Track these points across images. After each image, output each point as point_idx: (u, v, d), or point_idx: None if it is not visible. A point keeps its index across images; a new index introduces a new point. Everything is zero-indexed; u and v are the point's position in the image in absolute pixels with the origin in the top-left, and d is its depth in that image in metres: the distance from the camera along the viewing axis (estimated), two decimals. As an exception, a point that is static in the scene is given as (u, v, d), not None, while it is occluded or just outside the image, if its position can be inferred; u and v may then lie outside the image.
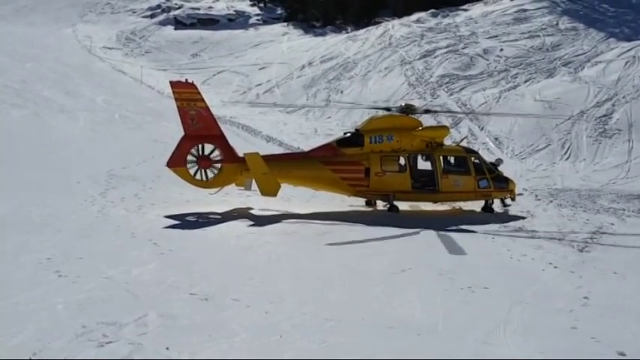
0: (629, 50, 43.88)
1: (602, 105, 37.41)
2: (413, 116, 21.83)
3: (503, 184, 21.47)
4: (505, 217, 20.59)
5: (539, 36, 49.53)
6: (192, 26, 70.82)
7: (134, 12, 75.99)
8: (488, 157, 27.68)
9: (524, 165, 32.22)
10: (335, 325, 9.28)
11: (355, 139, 21.07)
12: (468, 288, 11.78)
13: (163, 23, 71.62)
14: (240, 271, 12.25)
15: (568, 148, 34.20)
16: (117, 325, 8.52)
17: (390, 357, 8.20)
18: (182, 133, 19.71)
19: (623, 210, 22.11)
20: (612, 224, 19.57)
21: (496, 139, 35.83)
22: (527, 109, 37.14)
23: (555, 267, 13.92)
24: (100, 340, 8.02)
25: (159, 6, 75.98)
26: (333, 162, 20.45)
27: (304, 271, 12.60)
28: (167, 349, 7.92)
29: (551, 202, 23.76)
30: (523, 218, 20.41)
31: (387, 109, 22.62)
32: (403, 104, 22.64)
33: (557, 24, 51.23)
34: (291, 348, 8.30)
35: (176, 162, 19.50)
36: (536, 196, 24.90)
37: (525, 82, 42.52)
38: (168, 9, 74.83)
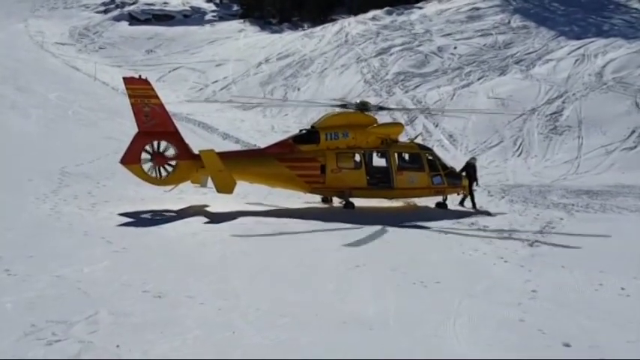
0: (579, 48, 44.91)
1: (552, 102, 38.24)
2: (368, 113, 22.01)
3: (456, 181, 21.87)
4: (458, 213, 20.96)
5: (491, 34, 50.33)
6: (147, 22, 70.07)
7: (87, 7, 74.72)
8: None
9: (477, 162, 32.66)
10: (288, 321, 9.33)
11: (311, 136, 21.16)
12: (421, 283, 11.95)
13: (117, 19, 70.61)
14: (195, 268, 12.21)
15: (520, 145, 34.89)
16: (67, 324, 8.42)
17: (343, 351, 8.29)
18: (136, 130, 19.54)
19: (573, 205, 22.63)
20: (561, 219, 20.00)
21: (450, 136, 36.31)
22: (480, 107, 37.71)
23: (506, 261, 14.19)
24: (49, 338, 7.92)
25: (113, 1, 74.85)
26: (289, 159, 20.52)
27: (259, 268, 12.61)
28: (117, 346, 7.86)
29: (503, 197, 24.23)
30: (476, 214, 20.79)
31: (344, 105, 22.76)
32: (359, 101, 22.84)
33: (509, 22, 52.11)
34: (244, 344, 8.32)
35: (130, 159, 19.30)
36: (489, 192, 25.35)
37: (479, 79, 43.20)
38: (123, 4, 73.79)
